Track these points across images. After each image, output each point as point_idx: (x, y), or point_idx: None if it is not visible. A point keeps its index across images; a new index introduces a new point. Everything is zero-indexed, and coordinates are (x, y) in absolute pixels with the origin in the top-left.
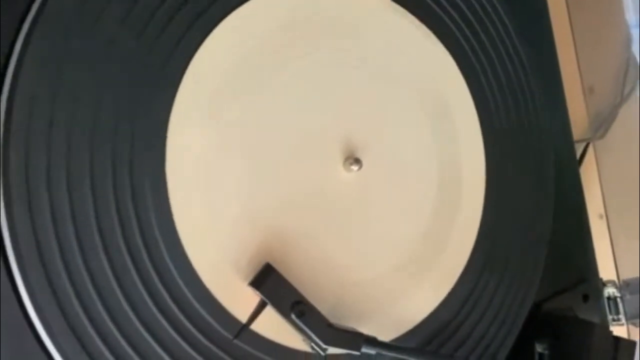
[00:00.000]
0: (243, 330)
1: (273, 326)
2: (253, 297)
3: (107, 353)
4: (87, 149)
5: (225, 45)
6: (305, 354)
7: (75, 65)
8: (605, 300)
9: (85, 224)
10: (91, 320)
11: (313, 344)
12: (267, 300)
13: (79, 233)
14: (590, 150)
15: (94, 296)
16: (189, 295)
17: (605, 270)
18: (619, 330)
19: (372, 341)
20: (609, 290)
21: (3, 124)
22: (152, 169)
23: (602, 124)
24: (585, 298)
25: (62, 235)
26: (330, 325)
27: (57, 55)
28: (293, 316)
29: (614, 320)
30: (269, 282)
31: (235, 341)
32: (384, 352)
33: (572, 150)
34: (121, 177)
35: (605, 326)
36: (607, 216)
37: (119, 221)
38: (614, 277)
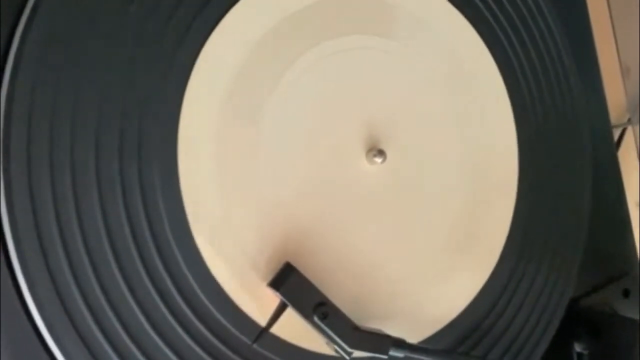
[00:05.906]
0: (262, 334)
1: (294, 329)
2: (273, 299)
3: None
4: (93, 142)
5: (243, 27)
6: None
7: (80, 47)
8: None
9: (92, 226)
10: (100, 325)
11: (337, 348)
12: (287, 302)
13: (85, 235)
14: (629, 135)
15: (102, 299)
16: (204, 297)
17: None
18: None
19: (400, 343)
20: None
21: (4, 110)
22: (163, 165)
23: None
24: (626, 293)
25: (69, 241)
26: (355, 328)
27: (61, 34)
28: (316, 318)
29: None
30: (290, 282)
31: (254, 346)
32: (413, 355)
33: (610, 135)
34: (130, 173)
35: None
36: None
37: (127, 219)
38: None
